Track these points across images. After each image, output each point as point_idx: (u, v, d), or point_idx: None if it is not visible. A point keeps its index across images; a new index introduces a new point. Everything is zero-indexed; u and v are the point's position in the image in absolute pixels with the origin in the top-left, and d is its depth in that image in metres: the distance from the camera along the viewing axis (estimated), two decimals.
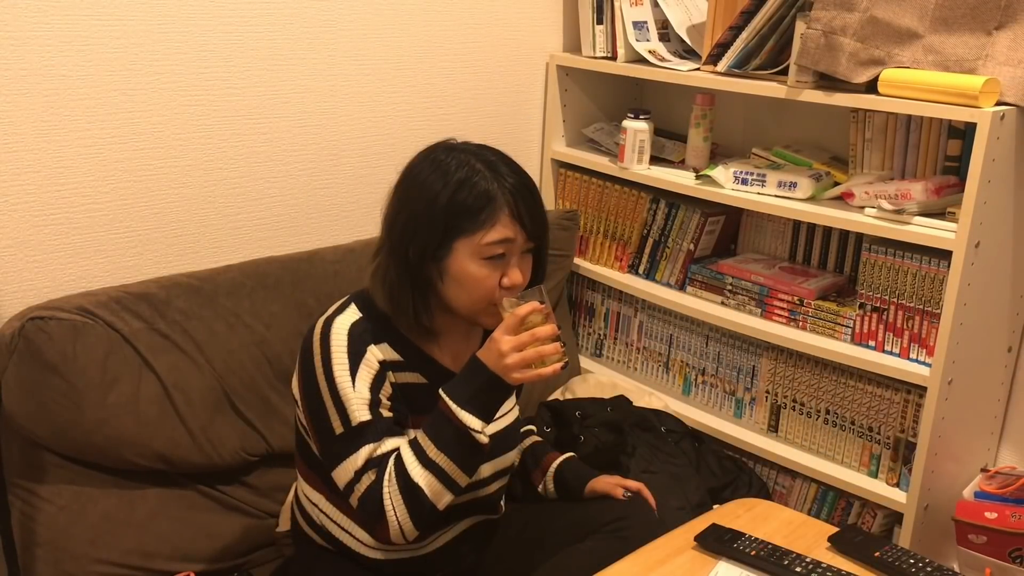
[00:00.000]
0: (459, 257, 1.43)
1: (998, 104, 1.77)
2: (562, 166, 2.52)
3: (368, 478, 1.41)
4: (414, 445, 1.42)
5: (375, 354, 1.45)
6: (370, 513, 1.42)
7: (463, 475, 1.42)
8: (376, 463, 1.42)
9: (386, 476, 1.41)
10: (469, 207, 1.41)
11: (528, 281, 1.49)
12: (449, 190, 1.42)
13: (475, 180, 1.42)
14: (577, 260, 2.47)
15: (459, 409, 1.39)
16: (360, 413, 1.42)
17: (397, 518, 1.41)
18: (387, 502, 1.40)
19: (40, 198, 1.72)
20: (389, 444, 1.43)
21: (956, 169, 1.91)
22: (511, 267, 1.45)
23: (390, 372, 1.47)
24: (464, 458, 1.41)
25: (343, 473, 1.43)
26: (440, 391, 1.42)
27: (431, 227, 1.43)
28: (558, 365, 1.39)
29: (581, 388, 2.31)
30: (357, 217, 2.18)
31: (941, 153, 1.93)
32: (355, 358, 1.43)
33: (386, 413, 1.45)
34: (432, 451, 1.40)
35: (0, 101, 1.64)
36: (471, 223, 1.41)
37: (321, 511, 1.56)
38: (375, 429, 1.42)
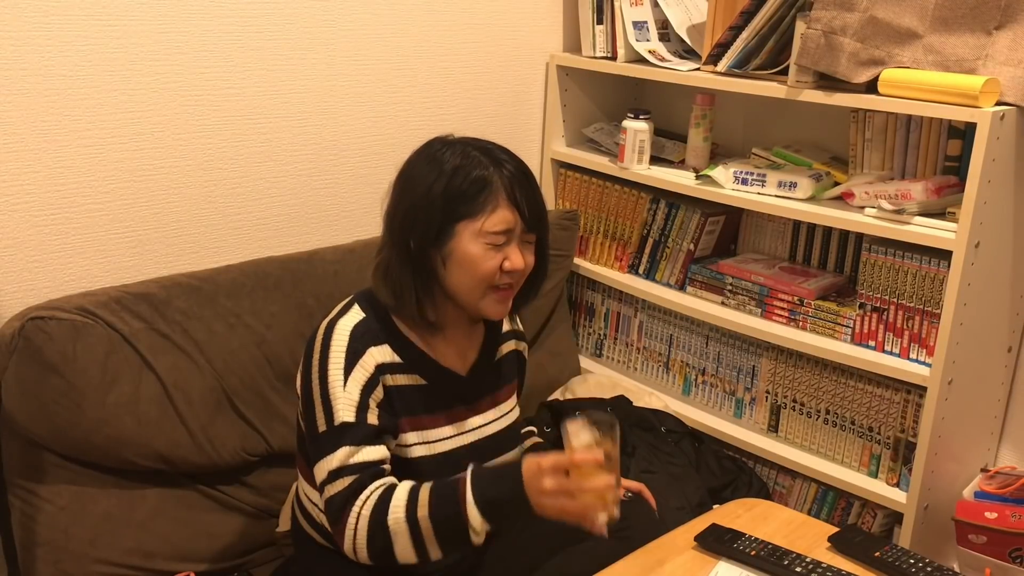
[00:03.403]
0: (462, 239, 1.43)
1: (998, 104, 1.77)
2: (562, 166, 2.52)
3: (341, 484, 1.39)
4: (411, 493, 1.37)
5: (374, 356, 1.45)
6: (332, 518, 1.41)
7: (438, 551, 1.37)
8: (349, 471, 1.39)
9: (365, 498, 1.38)
10: (465, 192, 1.42)
11: (530, 270, 1.50)
12: (445, 177, 1.43)
13: (471, 166, 1.44)
14: (577, 260, 2.47)
15: (472, 501, 1.34)
16: (344, 414, 1.41)
17: (355, 541, 1.38)
18: (351, 519, 1.37)
19: (40, 198, 1.72)
20: (366, 453, 1.41)
21: (956, 169, 1.91)
22: (512, 250, 1.46)
23: (387, 376, 1.47)
24: (447, 541, 1.37)
25: (319, 471, 1.43)
26: (470, 467, 1.37)
27: (430, 214, 1.43)
28: (602, 520, 1.26)
29: (581, 388, 2.31)
30: (357, 217, 2.18)
31: (941, 153, 1.93)
32: (352, 357, 1.43)
33: (372, 419, 1.43)
34: (422, 512, 1.35)
35: (0, 101, 1.64)
36: (470, 207, 1.42)
37: (321, 510, 1.55)
38: (355, 433, 1.41)
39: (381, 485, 1.40)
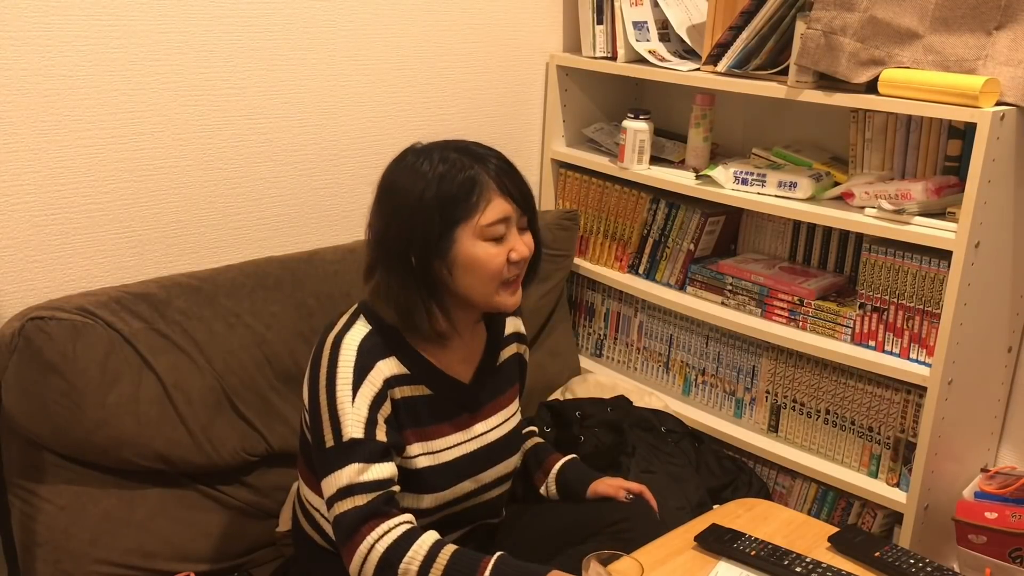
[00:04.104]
0: (464, 244, 1.43)
1: (998, 104, 1.77)
2: (562, 166, 2.52)
3: (352, 502, 1.39)
4: (432, 550, 1.37)
5: (382, 371, 1.45)
6: (342, 535, 1.40)
7: None
8: (360, 490, 1.39)
9: (385, 531, 1.37)
10: (457, 195, 1.42)
11: (532, 254, 1.50)
12: (433, 186, 1.42)
13: (456, 169, 1.43)
14: (577, 260, 2.47)
15: None
16: (353, 430, 1.40)
17: (362, 567, 1.37)
18: (364, 547, 1.37)
19: (40, 198, 1.72)
20: (375, 471, 1.40)
21: (956, 169, 1.91)
22: (515, 241, 1.46)
23: (395, 389, 1.46)
24: None
25: (327, 487, 1.42)
26: (498, 555, 1.38)
27: (427, 225, 1.43)
28: None
29: (581, 388, 2.31)
30: (357, 217, 2.18)
31: (941, 153, 1.93)
32: (360, 373, 1.43)
33: (381, 436, 1.43)
34: (435, 575, 1.36)
35: (0, 101, 1.64)
36: (465, 209, 1.42)
37: (322, 513, 1.55)
38: (364, 450, 1.40)
39: (403, 523, 1.40)
